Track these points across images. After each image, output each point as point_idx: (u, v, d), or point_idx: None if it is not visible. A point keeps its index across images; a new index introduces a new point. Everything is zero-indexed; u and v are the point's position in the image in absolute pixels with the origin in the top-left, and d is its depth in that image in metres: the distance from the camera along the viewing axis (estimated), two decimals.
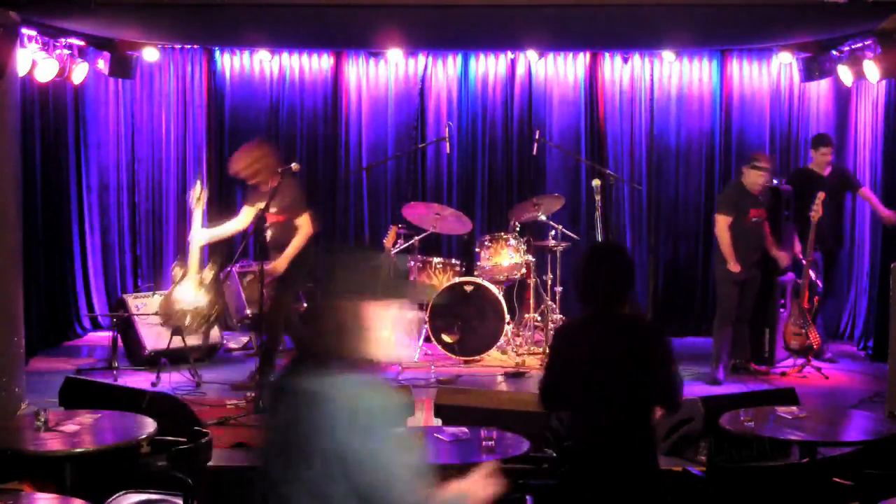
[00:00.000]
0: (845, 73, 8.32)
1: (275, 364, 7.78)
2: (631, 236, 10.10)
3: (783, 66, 9.80)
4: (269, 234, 7.58)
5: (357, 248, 3.28)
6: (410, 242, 8.92)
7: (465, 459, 4.85)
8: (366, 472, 2.51)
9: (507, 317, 8.54)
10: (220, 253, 8.21)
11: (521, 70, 10.11)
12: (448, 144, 9.43)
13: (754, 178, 7.94)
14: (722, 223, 7.97)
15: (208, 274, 7.87)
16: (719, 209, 8.06)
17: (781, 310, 8.49)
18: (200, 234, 7.71)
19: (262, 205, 7.29)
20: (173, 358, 7.97)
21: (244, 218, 7.70)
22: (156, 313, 8.09)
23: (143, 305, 8.55)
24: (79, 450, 4.68)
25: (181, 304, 7.75)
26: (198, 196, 7.78)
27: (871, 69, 7.71)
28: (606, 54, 10.04)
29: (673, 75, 10.04)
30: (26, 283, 7.62)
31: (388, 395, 2.59)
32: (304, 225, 7.48)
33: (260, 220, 7.31)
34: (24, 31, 7.43)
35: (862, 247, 9.40)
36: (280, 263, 7.38)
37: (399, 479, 2.52)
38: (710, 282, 9.98)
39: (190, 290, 7.77)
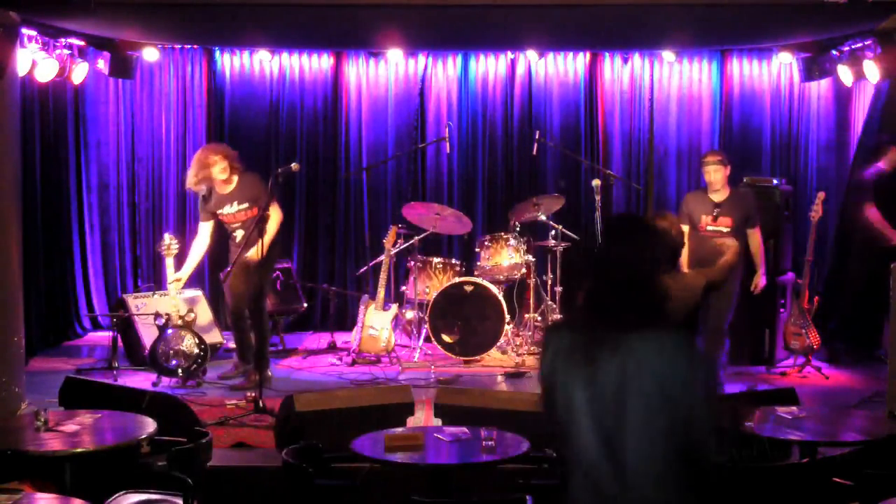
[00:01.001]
0: (845, 73, 8.32)
1: (268, 354, 7.85)
2: None
3: (783, 66, 9.80)
4: (239, 234, 7.68)
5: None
6: (410, 242, 8.92)
7: (465, 459, 4.86)
8: (698, 410, 2.85)
9: (507, 317, 8.54)
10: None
11: (521, 70, 10.11)
12: (448, 144, 9.44)
13: (706, 177, 7.57)
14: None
15: (189, 313, 7.92)
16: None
17: (781, 310, 8.50)
18: (177, 280, 7.81)
19: (226, 210, 7.59)
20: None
21: (205, 233, 7.86)
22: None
23: (143, 305, 8.54)
24: (79, 450, 4.68)
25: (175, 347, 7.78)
26: (167, 245, 7.87)
27: (871, 69, 7.71)
28: (606, 54, 10.04)
29: (673, 75, 10.05)
30: (26, 283, 7.62)
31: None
32: (275, 211, 7.56)
33: (261, 220, 7.33)
34: (24, 31, 7.43)
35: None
36: (258, 251, 7.38)
37: (712, 421, 2.88)
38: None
39: (178, 336, 7.78)
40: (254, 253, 7.42)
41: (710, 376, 3.11)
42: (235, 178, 7.68)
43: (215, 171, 7.62)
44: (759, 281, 7.74)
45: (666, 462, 2.86)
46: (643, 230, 3.08)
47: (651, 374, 2.84)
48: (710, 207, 7.48)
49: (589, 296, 3.00)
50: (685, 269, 6.99)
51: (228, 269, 8.80)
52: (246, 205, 7.64)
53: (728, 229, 7.36)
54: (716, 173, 7.46)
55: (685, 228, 7.22)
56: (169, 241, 7.94)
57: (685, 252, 6.87)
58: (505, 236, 8.85)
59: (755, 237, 7.63)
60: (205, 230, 7.85)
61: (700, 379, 2.88)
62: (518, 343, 8.78)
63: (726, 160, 7.54)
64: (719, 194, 7.50)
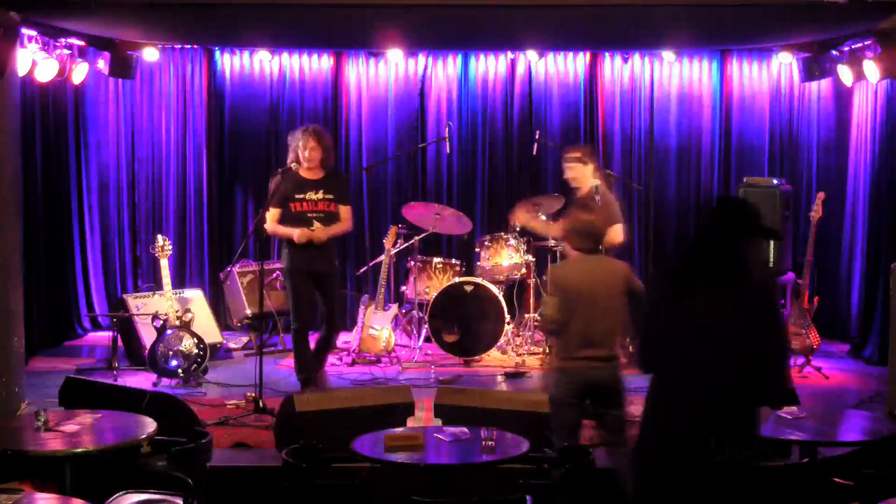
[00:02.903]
0: (845, 73, 8.32)
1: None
2: (630, 236, 10.09)
3: (783, 66, 9.80)
4: (317, 226, 7.40)
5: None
6: (410, 242, 8.92)
7: (465, 459, 4.86)
8: (772, 349, 3.64)
9: (507, 317, 8.54)
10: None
11: (521, 70, 10.11)
12: (448, 144, 9.43)
13: (566, 175, 7.41)
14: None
15: (187, 313, 7.92)
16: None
17: (781, 310, 8.50)
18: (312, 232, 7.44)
19: (308, 196, 7.37)
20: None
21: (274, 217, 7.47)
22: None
23: (143, 305, 8.54)
24: (79, 450, 4.68)
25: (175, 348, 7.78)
26: (160, 247, 7.90)
27: (871, 69, 7.71)
28: (606, 54, 10.04)
29: (673, 75, 10.04)
30: (26, 283, 7.62)
31: None
32: (348, 218, 7.54)
33: (261, 220, 7.33)
34: (24, 31, 7.43)
35: (854, 248, 9.41)
36: (325, 232, 7.31)
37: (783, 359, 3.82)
38: None
39: (177, 336, 7.78)
40: (319, 232, 7.32)
41: (780, 322, 3.79)
42: (323, 172, 7.52)
43: (324, 156, 7.45)
44: None
45: (735, 389, 3.62)
46: (733, 211, 3.85)
47: (732, 318, 3.62)
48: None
49: (691, 255, 3.81)
50: None
51: (229, 269, 8.79)
52: (331, 196, 7.46)
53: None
54: (570, 171, 7.38)
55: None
56: (163, 242, 7.95)
57: None
58: (505, 236, 8.85)
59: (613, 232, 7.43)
60: (273, 216, 7.47)
61: (771, 323, 3.64)
62: (518, 343, 8.77)
63: (586, 157, 7.44)
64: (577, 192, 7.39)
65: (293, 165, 7.39)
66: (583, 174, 7.38)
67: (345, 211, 7.51)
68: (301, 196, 7.39)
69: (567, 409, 5.32)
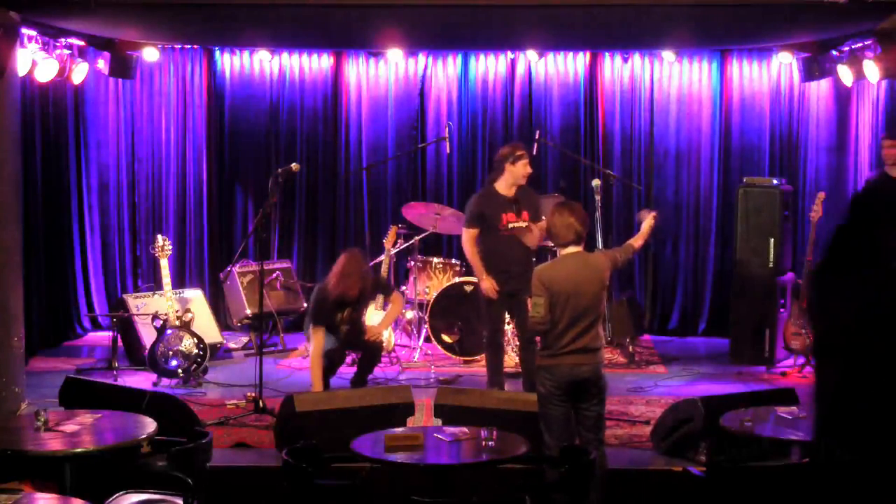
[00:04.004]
0: (845, 73, 8.32)
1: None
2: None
3: (783, 66, 9.79)
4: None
5: None
6: (410, 242, 8.92)
7: (465, 459, 4.86)
8: None
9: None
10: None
11: (521, 70, 10.11)
12: (448, 144, 9.43)
13: (521, 171, 7.15)
14: (466, 237, 7.27)
15: (186, 313, 7.92)
16: (465, 223, 7.36)
17: (781, 310, 8.50)
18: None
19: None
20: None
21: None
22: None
23: (143, 305, 8.55)
24: (79, 450, 4.69)
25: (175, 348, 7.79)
26: (160, 247, 7.92)
27: (871, 69, 7.71)
28: (606, 54, 10.03)
29: (673, 75, 10.03)
30: (26, 283, 7.62)
31: None
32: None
33: (263, 218, 7.35)
34: (24, 31, 7.43)
35: None
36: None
37: None
38: (710, 282, 10.01)
39: (177, 336, 7.78)
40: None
41: None
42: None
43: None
44: None
45: None
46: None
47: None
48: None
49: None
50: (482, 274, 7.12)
51: (229, 268, 8.79)
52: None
53: (527, 224, 7.22)
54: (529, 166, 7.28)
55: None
56: (162, 242, 7.96)
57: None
58: None
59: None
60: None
61: None
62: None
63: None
64: (514, 190, 7.25)
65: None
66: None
67: None
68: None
69: (555, 405, 5.34)
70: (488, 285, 7.13)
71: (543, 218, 7.07)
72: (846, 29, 7.84)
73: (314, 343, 7.22)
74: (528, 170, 7.23)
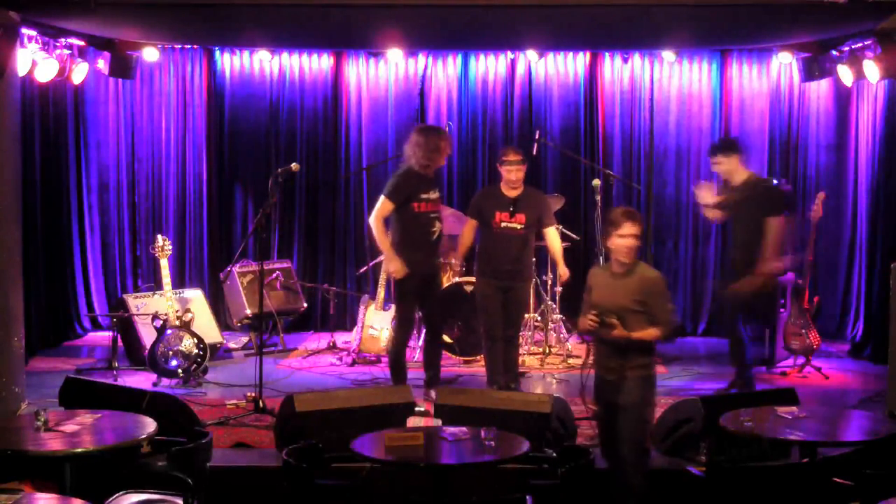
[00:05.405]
0: (845, 73, 8.32)
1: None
2: None
3: (783, 66, 9.79)
4: (437, 227, 7.45)
5: None
6: None
7: (465, 459, 4.86)
8: None
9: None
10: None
11: (521, 70, 10.11)
12: None
13: (505, 176, 7.32)
14: (465, 229, 7.62)
15: (186, 313, 7.93)
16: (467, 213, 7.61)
17: (781, 310, 8.50)
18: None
19: (430, 196, 7.37)
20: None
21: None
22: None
23: (143, 305, 8.55)
24: (79, 450, 4.68)
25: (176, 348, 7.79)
26: (160, 247, 7.93)
27: (871, 69, 7.70)
28: (606, 54, 10.03)
29: (673, 76, 10.04)
30: (26, 283, 7.62)
31: None
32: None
33: (263, 218, 7.33)
34: (24, 31, 7.43)
35: (854, 248, 9.41)
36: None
37: None
38: (710, 282, 10.01)
39: (177, 336, 7.78)
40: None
41: None
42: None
43: (442, 158, 7.45)
44: (563, 272, 7.65)
45: None
46: None
47: None
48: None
49: None
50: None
51: (229, 268, 8.76)
52: (437, 194, 7.47)
53: (521, 226, 7.32)
54: (517, 172, 7.33)
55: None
56: (162, 242, 7.96)
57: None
58: None
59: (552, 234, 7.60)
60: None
61: None
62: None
63: (524, 159, 7.42)
64: (515, 191, 7.38)
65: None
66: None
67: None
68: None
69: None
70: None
71: (555, 224, 7.55)
72: (846, 29, 7.84)
73: (378, 208, 7.39)
74: (513, 176, 7.31)
